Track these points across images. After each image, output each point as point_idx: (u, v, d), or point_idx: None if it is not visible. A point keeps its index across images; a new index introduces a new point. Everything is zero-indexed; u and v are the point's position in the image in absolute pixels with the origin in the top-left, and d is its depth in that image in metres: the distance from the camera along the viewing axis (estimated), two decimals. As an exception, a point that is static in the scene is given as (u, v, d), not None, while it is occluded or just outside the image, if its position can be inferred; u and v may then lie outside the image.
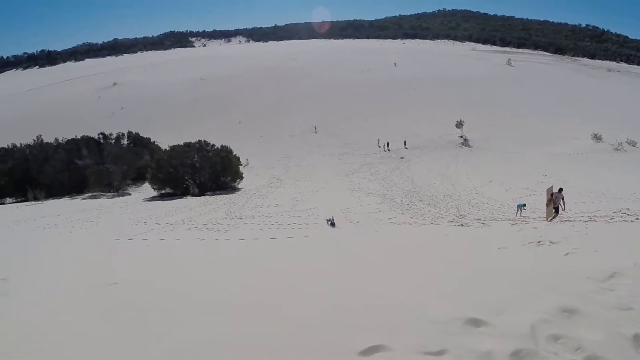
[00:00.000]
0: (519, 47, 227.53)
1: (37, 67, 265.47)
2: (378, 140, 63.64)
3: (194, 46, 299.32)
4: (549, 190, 18.76)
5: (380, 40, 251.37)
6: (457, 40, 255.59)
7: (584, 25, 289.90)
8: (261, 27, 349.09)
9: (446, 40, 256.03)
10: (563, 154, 53.57)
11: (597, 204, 24.49)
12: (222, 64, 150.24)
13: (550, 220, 17.89)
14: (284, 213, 27.24)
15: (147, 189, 45.59)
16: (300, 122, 78.68)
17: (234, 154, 46.90)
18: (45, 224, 26.81)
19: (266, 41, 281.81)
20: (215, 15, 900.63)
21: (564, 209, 19.12)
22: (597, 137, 58.13)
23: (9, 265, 10.98)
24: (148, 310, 5.89)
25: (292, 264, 10.59)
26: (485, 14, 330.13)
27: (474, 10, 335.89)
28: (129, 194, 45.62)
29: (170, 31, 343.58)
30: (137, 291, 7.29)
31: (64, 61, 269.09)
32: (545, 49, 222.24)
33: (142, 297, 6.75)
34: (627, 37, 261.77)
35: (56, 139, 55.66)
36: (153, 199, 40.67)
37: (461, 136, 64.42)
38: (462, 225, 19.76)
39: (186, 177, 42.86)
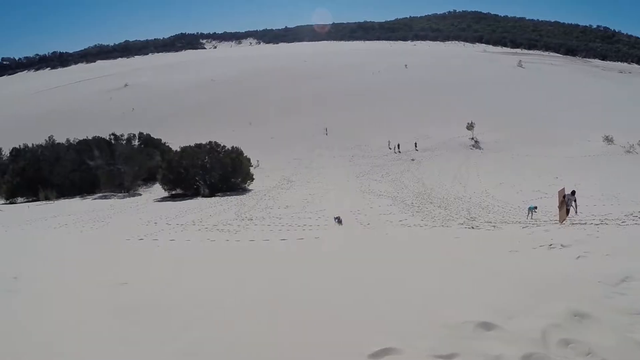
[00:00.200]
0: (529, 48, 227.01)
1: (49, 68, 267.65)
2: (389, 142, 63.50)
3: (205, 48, 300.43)
4: (561, 192, 18.56)
5: (391, 42, 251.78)
6: (467, 41, 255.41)
7: (594, 26, 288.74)
8: (272, 29, 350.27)
9: (457, 42, 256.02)
10: (574, 156, 53.25)
11: (608, 206, 24.35)
12: (232, 66, 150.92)
13: (562, 222, 17.77)
14: (294, 214, 27.23)
15: (157, 190, 45.71)
16: (310, 123, 78.69)
17: (244, 155, 46.94)
18: (56, 224, 26.91)
19: (277, 43, 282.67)
20: (226, 17, 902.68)
21: (577, 212, 18.97)
22: (608, 139, 57.63)
23: (20, 263, 11.02)
24: (159, 310, 5.89)
25: (302, 265, 10.57)
26: (495, 15, 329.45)
27: (485, 12, 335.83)
28: (140, 195, 45.76)
29: (181, 33, 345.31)
30: (148, 291, 7.29)
31: (76, 63, 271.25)
32: (556, 50, 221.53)
33: (152, 297, 6.75)
34: (638, 38, 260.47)
35: (67, 140, 55.98)
36: (164, 199, 40.79)
37: (472, 138, 64.13)
38: (472, 227, 19.64)
39: (197, 178, 42.93)
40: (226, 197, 39.09)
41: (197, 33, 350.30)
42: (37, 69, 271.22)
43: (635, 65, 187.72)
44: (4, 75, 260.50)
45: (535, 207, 23.48)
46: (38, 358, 4.53)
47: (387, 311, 5.25)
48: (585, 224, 16.68)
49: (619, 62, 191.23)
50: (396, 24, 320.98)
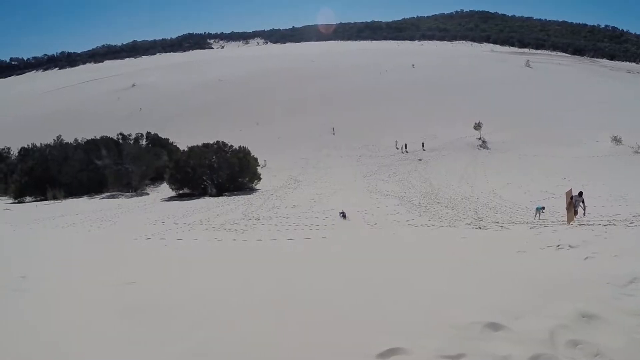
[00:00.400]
0: (537, 48, 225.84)
1: (57, 68, 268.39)
2: (396, 142, 63.48)
3: (212, 48, 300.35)
4: (568, 193, 18.44)
5: (398, 41, 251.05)
6: (475, 41, 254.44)
7: (602, 26, 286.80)
8: (279, 29, 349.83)
9: (464, 42, 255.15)
10: (582, 157, 53.06)
11: (616, 207, 24.25)
12: (240, 66, 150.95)
13: (570, 223, 17.68)
14: (301, 214, 27.28)
15: (165, 189, 45.85)
16: (318, 123, 78.70)
17: (251, 155, 47.03)
18: (64, 223, 27.03)
19: (284, 43, 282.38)
20: (233, 17, 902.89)
21: (584, 214, 18.87)
22: (616, 140, 57.31)
23: (28, 263, 11.04)
24: (166, 310, 5.89)
25: (309, 265, 10.57)
26: (503, 15, 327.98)
27: (492, 11, 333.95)
28: (147, 194, 45.91)
29: (189, 33, 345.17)
30: (155, 291, 7.30)
31: (84, 63, 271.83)
32: (564, 50, 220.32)
33: (160, 297, 6.75)
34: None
35: (75, 139, 56.22)
36: (171, 199, 40.91)
37: (479, 138, 63.95)
38: (480, 228, 19.60)
39: (204, 178, 43.05)
40: (233, 196, 39.16)
41: (205, 33, 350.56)
42: (45, 69, 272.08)
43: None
44: (12, 75, 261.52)
45: (543, 208, 23.41)
46: (45, 358, 4.54)
47: (394, 311, 5.25)
48: (593, 224, 16.60)
49: (627, 62, 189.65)
50: (403, 24, 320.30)
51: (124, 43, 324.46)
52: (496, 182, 40.22)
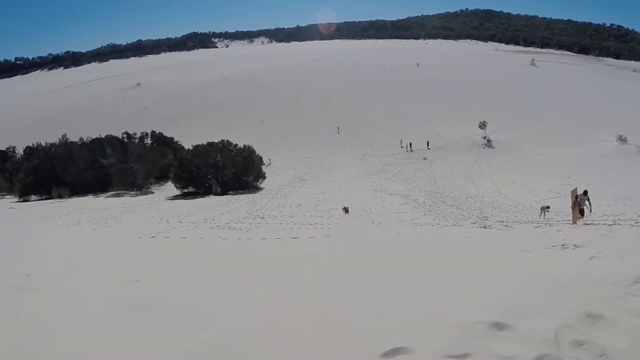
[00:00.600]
0: (542, 47, 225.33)
1: (62, 68, 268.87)
2: (401, 140, 63.40)
3: (217, 47, 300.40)
4: (573, 192, 18.35)
5: (403, 40, 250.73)
6: (480, 40, 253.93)
7: (608, 25, 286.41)
8: (283, 28, 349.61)
9: (469, 40, 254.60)
10: (587, 156, 52.94)
11: (621, 207, 24.19)
12: (244, 65, 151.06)
13: (575, 223, 17.61)
14: (306, 213, 27.30)
15: (170, 188, 45.94)
16: (322, 122, 78.81)
17: (256, 153, 47.08)
18: (69, 222, 27.09)
19: (288, 42, 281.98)
20: (238, 16, 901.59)
21: (590, 211, 18.78)
22: (622, 139, 57.18)
23: (33, 261, 11.06)
24: (172, 308, 5.88)
25: (313, 265, 10.55)
26: (508, 13, 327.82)
27: (497, 10, 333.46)
28: (152, 193, 45.99)
29: (193, 32, 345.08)
30: (161, 289, 7.30)
31: (89, 62, 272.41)
32: (569, 48, 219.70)
33: (165, 295, 6.75)
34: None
35: (81, 138, 56.28)
36: (176, 197, 40.99)
37: (484, 137, 63.86)
38: (484, 227, 19.57)
39: (209, 177, 43.07)
40: (238, 195, 39.23)
41: (209, 32, 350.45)
42: (50, 69, 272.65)
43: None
44: (17, 74, 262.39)
45: (548, 207, 23.37)
46: (50, 356, 4.55)
47: (398, 311, 5.23)
48: (599, 224, 16.56)
49: (633, 61, 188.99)
50: (408, 23, 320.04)
51: (129, 42, 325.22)
52: (501, 181, 40.15)
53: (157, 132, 61.13)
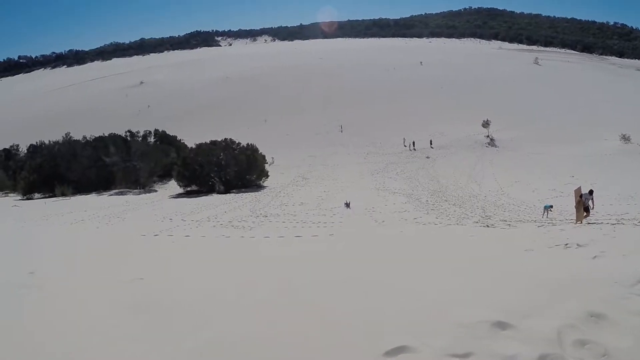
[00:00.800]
0: (546, 45, 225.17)
1: (65, 66, 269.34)
2: (404, 139, 63.40)
3: (220, 45, 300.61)
4: (577, 191, 18.24)
5: (406, 39, 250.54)
6: (483, 38, 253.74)
7: (612, 23, 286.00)
8: (287, 26, 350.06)
9: (472, 39, 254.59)
10: (591, 155, 52.76)
11: (625, 206, 24.11)
12: (247, 63, 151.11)
13: (579, 222, 17.54)
14: (309, 211, 27.30)
15: (173, 186, 45.99)
16: (325, 121, 78.81)
17: (259, 152, 47.09)
18: (73, 220, 27.13)
19: (292, 40, 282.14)
20: (241, 14, 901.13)
21: (592, 207, 18.67)
22: (625, 138, 57.00)
23: (36, 259, 11.10)
24: (174, 307, 5.89)
25: (316, 264, 10.54)
26: (511, 12, 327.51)
27: (501, 9, 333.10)
28: (155, 191, 46.04)
29: (196, 31, 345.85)
30: (163, 287, 7.31)
31: (92, 60, 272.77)
32: (572, 47, 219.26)
33: (167, 293, 6.76)
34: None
35: (84, 137, 56.37)
36: (179, 196, 41.02)
37: (487, 136, 63.72)
38: (487, 226, 19.52)
39: (212, 175, 43.12)
40: (241, 193, 39.24)
41: (212, 31, 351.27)
42: (53, 67, 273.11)
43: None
44: (20, 73, 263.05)
45: (551, 206, 23.30)
46: (53, 352, 4.56)
47: (401, 310, 5.23)
48: (602, 223, 16.52)
49: (636, 60, 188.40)
50: (411, 21, 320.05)
51: (132, 41, 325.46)
52: (504, 180, 40.06)
53: (160, 130, 61.21)
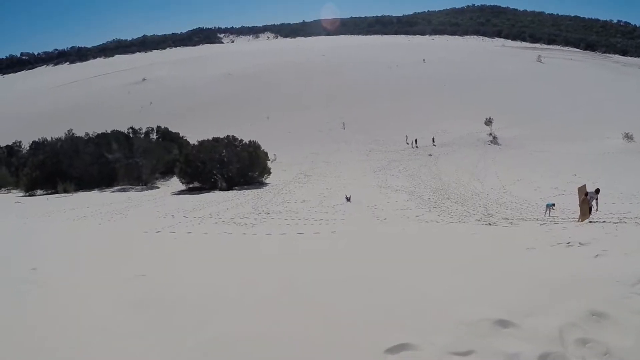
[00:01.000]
0: (549, 43, 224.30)
1: (67, 63, 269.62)
2: (406, 136, 63.33)
3: (222, 42, 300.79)
4: (582, 189, 18.18)
5: (409, 36, 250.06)
6: (486, 36, 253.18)
7: (615, 21, 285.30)
8: (289, 23, 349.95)
9: (475, 37, 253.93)
10: (593, 153, 52.68)
11: (627, 205, 24.08)
12: (250, 60, 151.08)
13: (582, 221, 17.48)
14: (311, 208, 27.28)
15: (175, 183, 46.00)
16: (328, 118, 78.85)
17: (261, 149, 47.10)
18: (75, 216, 27.14)
19: (294, 37, 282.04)
20: (243, 11, 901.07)
21: (597, 209, 18.61)
22: (628, 137, 56.90)
23: (38, 255, 11.11)
24: (176, 304, 5.90)
25: (318, 262, 10.54)
26: (514, 9, 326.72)
27: (504, 6, 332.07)
28: (158, 188, 46.05)
29: (199, 27, 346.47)
30: (165, 284, 7.32)
31: (94, 57, 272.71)
32: (576, 45, 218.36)
33: (170, 290, 6.77)
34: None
35: (86, 133, 56.40)
36: (181, 192, 41.03)
37: (490, 134, 63.71)
38: (489, 224, 19.49)
39: (214, 172, 43.13)
40: (243, 190, 39.23)
41: (215, 27, 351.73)
42: (55, 64, 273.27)
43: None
44: (23, 70, 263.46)
45: (553, 205, 23.25)
46: (56, 348, 4.56)
47: (403, 308, 5.23)
48: (604, 222, 16.50)
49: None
50: (414, 18, 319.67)
51: (135, 38, 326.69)
52: (506, 178, 40.02)
53: (163, 127, 61.28)
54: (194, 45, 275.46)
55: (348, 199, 29.97)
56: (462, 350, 4.08)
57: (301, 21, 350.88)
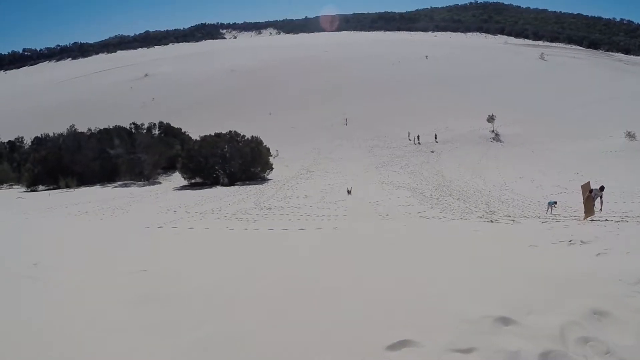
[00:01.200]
0: (552, 41, 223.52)
1: (69, 59, 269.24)
2: (409, 133, 63.46)
3: (225, 38, 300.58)
4: (586, 186, 18.11)
5: (412, 32, 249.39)
6: (489, 33, 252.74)
7: (618, 19, 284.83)
8: (292, 19, 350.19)
9: (478, 33, 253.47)
10: (595, 151, 52.66)
11: (629, 203, 24.04)
12: (252, 56, 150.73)
13: (586, 218, 17.43)
14: (313, 204, 27.33)
15: (177, 178, 46.11)
16: (330, 114, 78.87)
17: (264, 145, 47.16)
18: (77, 211, 27.19)
19: (297, 33, 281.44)
20: (246, 7, 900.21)
21: (600, 209, 18.55)
22: (630, 135, 56.75)
23: (40, 250, 11.10)
24: (178, 299, 5.87)
25: (320, 259, 10.52)
26: (517, 6, 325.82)
27: (507, 3, 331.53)
28: (160, 183, 46.17)
29: (201, 23, 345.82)
30: (166, 279, 7.29)
31: (96, 53, 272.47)
32: (578, 43, 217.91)
33: (171, 286, 6.74)
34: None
35: (89, 129, 56.50)
36: (183, 188, 41.12)
37: (492, 131, 63.80)
38: (491, 221, 19.48)
39: (216, 167, 43.23)
40: (245, 186, 39.34)
41: (217, 23, 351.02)
42: (58, 60, 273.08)
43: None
44: (25, 65, 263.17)
45: (555, 202, 23.26)
46: (56, 344, 4.55)
47: (405, 304, 5.21)
48: (606, 220, 16.48)
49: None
50: (417, 15, 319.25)
51: (137, 33, 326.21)
52: (508, 175, 40.11)
53: (165, 122, 61.39)
54: (197, 41, 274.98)
55: (349, 192, 31.38)
56: (463, 348, 4.06)
57: (304, 17, 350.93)
